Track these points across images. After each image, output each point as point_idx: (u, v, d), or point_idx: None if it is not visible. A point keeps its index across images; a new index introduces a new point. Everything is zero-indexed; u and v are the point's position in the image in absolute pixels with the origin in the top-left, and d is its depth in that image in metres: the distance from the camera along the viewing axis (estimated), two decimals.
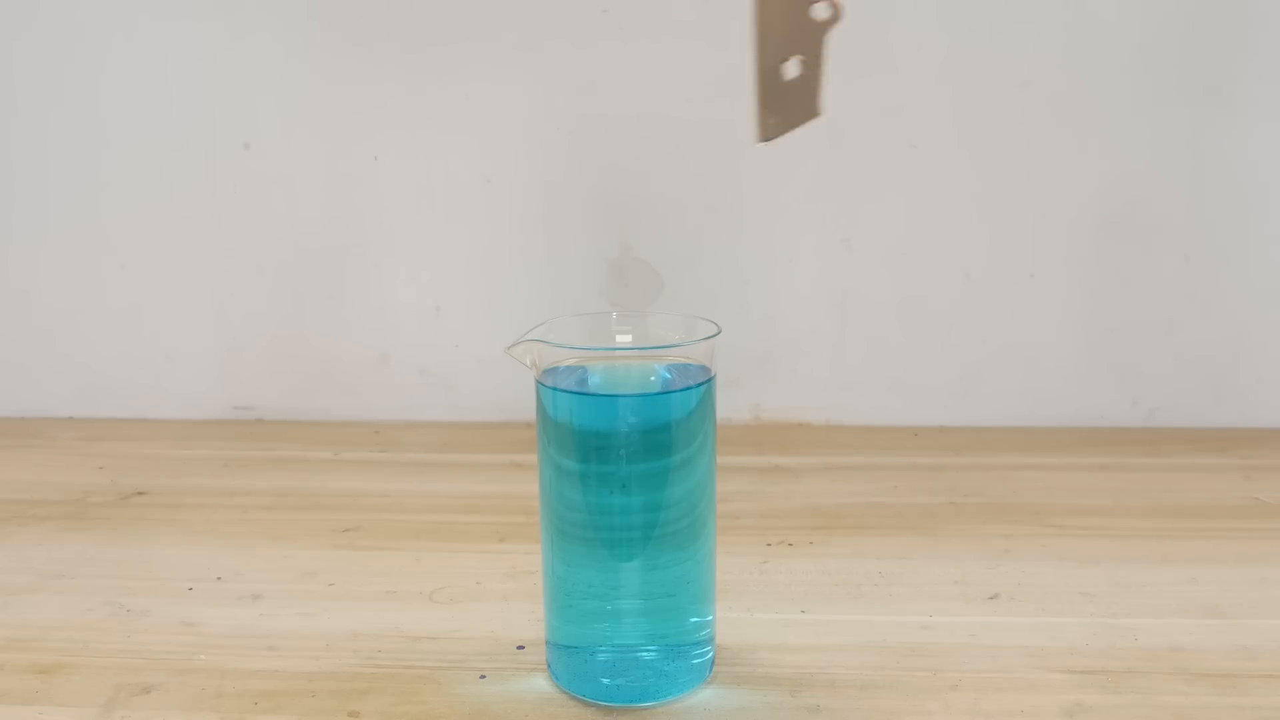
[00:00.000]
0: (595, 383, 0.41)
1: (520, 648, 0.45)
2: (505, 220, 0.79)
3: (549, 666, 0.43)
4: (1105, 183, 0.76)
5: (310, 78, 0.78)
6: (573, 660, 0.42)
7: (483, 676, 0.43)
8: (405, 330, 0.82)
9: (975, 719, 0.40)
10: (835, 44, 0.75)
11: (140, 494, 0.66)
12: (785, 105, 0.36)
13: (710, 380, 0.41)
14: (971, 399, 0.80)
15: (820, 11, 0.35)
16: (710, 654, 0.43)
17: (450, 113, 0.78)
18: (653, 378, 0.42)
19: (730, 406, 0.81)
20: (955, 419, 0.80)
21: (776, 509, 0.62)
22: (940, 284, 0.79)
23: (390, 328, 0.82)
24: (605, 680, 0.41)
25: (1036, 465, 0.70)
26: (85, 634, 0.47)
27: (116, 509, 0.63)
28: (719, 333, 0.41)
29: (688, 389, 0.40)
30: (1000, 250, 0.78)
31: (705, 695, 0.42)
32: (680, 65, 0.75)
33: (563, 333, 0.42)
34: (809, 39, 0.35)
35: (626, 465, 0.39)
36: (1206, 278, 0.77)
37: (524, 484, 0.67)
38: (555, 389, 0.40)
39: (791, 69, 0.35)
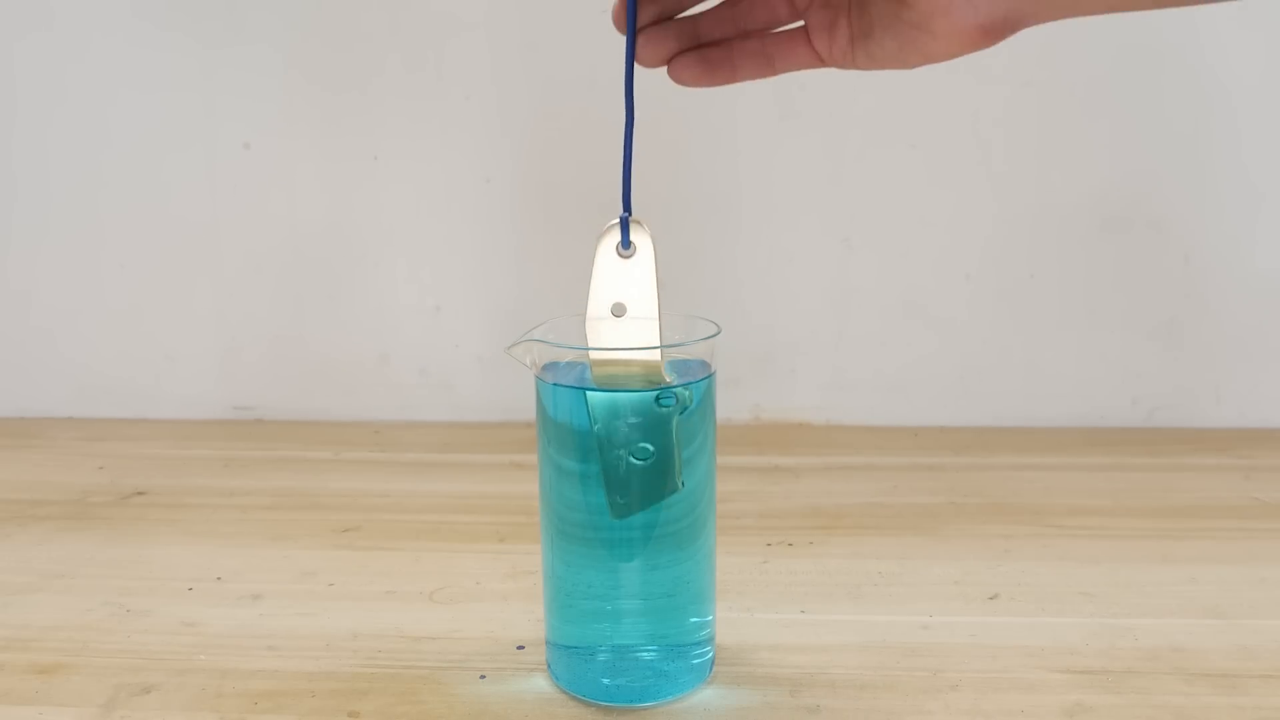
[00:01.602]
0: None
1: (520, 648, 0.45)
2: (505, 220, 0.79)
3: (549, 666, 0.43)
4: (1105, 183, 0.76)
5: (310, 77, 0.78)
6: (573, 660, 0.42)
7: (483, 676, 0.43)
8: (405, 330, 0.82)
9: (975, 719, 0.40)
10: None
11: (140, 494, 0.66)
12: (640, 487, 0.38)
13: (710, 376, 0.41)
14: (971, 399, 0.80)
15: (665, 400, 0.37)
16: (710, 654, 0.43)
17: (450, 113, 0.78)
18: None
19: (730, 406, 0.81)
20: (955, 419, 0.80)
21: (776, 509, 0.62)
22: (940, 284, 0.79)
23: (390, 328, 0.82)
24: (605, 680, 0.41)
25: (1036, 465, 0.70)
26: (85, 634, 0.47)
27: (116, 509, 0.63)
28: (719, 332, 0.41)
29: (688, 384, 0.40)
30: (1000, 250, 0.78)
31: (705, 695, 0.42)
32: None
33: (563, 333, 0.42)
34: (659, 425, 0.38)
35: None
36: (1206, 278, 0.77)
37: (524, 484, 0.67)
38: (555, 384, 0.40)
39: (643, 453, 0.37)
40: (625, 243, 0.39)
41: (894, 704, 0.41)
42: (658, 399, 0.38)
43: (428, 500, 0.65)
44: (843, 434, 0.79)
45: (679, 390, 0.39)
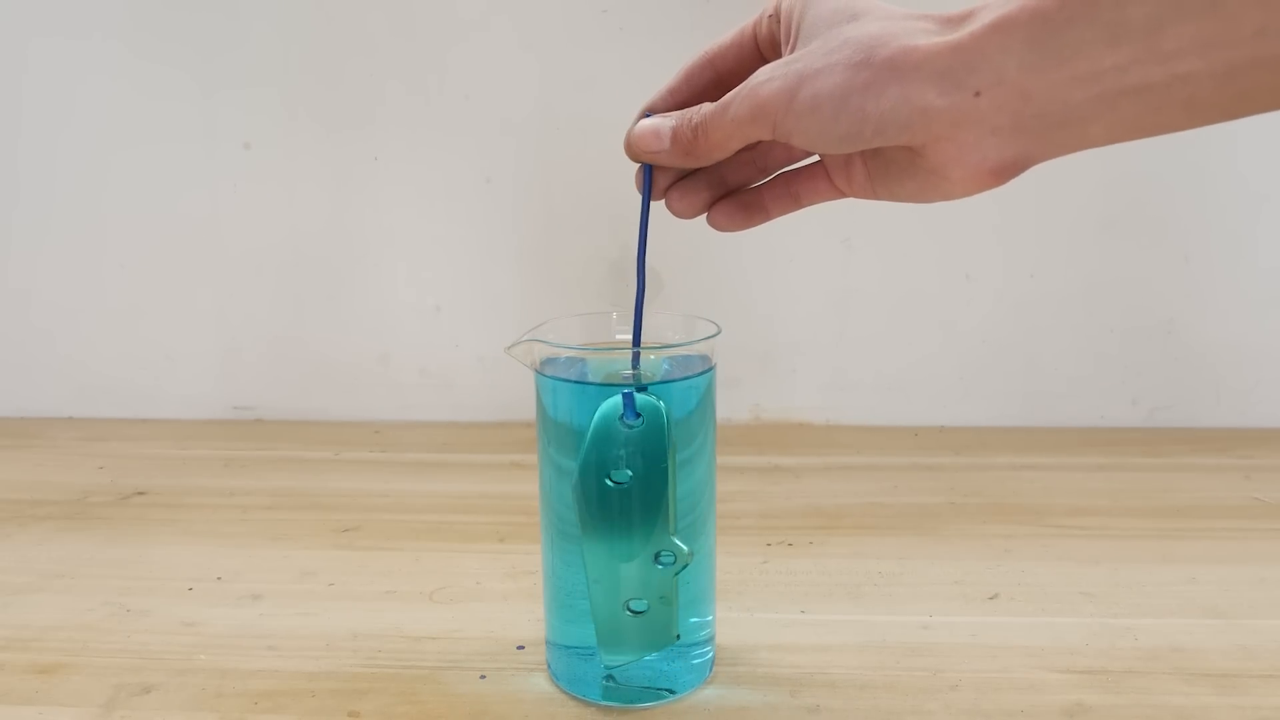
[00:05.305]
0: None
1: (520, 648, 0.45)
2: (505, 220, 0.79)
3: (549, 666, 0.43)
4: (1105, 183, 0.76)
5: (310, 77, 0.78)
6: (573, 660, 0.42)
7: (483, 676, 0.43)
8: (405, 330, 0.82)
9: (975, 719, 0.40)
10: None
11: (140, 494, 0.66)
12: (638, 636, 0.40)
13: (710, 371, 0.41)
14: (971, 399, 0.80)
15: (665, 558, 0.39)
16: (710, 654, 0.43)
17: (450, 113, 0.78)
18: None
19: (730, 406, 0.81)
20: (955, 419, 0.80)
21: (776, 509, 0.62)
22: (940, 284, 0.79)
23: (390, 328, 0.82)
24: (605, 680, 0.41)
25: (1036, 465, 0.70)
26: (85, 634, 0.47)
27: (116, 509, 0.63)
28: (719, 332, 0.41)
29: (689, 377, 0.40)
30: (1000, 250, 0.78)
31: (705, 695, 0.42)
32: (680, 65, 0.75)
33: (562, 333, 0.42)
34: (660, 580, 0.39)
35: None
36: (1206, 278, 0.77)
37: (524, 484, 0.67)
38: (554, 377, 0.40)
39: (638, 605, 0.39)
40: (630, 414, 0.38)
41: (894, 704, 0.41)
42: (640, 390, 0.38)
43: (428, 500, 0.65)
44: (843, 434, 0.79)
45: (679, 549, 0.39)
